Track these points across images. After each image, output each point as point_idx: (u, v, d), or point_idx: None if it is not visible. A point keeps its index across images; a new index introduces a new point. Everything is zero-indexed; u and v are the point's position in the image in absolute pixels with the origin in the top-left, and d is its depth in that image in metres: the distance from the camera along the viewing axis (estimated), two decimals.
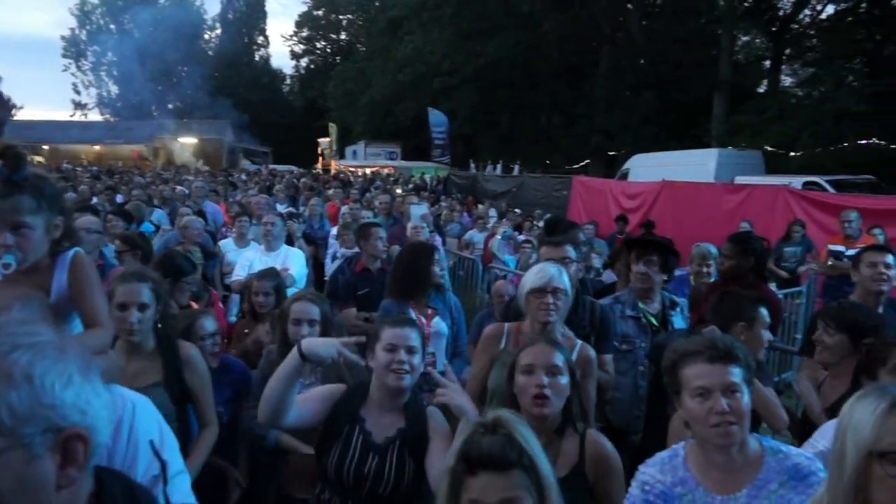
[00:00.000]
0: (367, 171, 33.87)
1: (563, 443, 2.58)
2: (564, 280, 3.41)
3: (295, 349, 2.55)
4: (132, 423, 2.02)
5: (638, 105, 29.79)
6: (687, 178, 16.17)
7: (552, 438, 2.55)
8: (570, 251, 4.10)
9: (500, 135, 37.07)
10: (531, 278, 3.43)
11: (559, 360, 2.59)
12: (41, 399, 1.00)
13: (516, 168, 27.50)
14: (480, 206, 16.56)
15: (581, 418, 2.68)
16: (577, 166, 31.26)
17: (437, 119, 35.46)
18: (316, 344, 2.58)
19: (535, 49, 35.08)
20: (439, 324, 4.54)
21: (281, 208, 10.00)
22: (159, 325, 3.10)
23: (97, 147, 47.85)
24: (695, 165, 18.61)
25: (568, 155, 33.57)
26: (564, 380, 2.57)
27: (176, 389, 3.05)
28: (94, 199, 11.86)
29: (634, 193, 16.47)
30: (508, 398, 2.64)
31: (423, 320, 4.45)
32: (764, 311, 3.38)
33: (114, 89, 63.02)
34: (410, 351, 2.74)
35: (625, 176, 21.12)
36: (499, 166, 28.20)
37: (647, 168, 19.84)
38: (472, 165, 29.44)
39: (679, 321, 4.49)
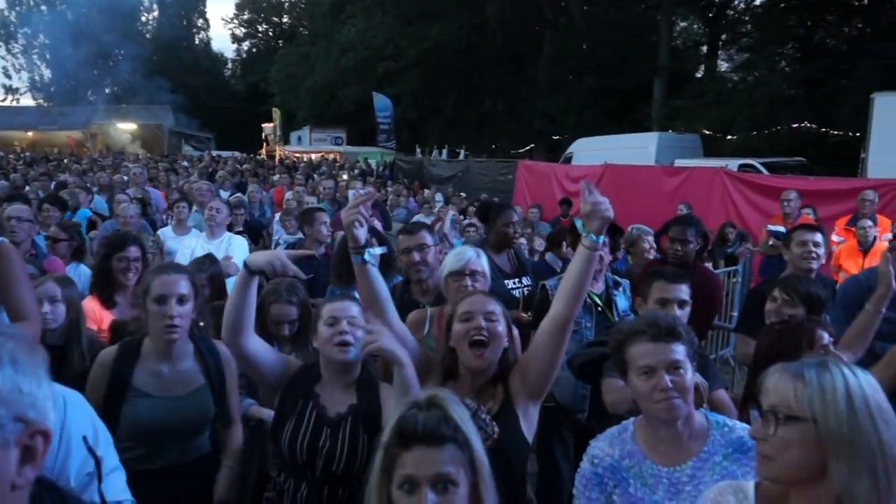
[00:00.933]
0: (313, 156, 33.52)
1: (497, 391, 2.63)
2: (482, 263, 3.53)
3: (242, 265, 2.63)
4: (64, 419, 1.94)
5: (580, 89, 30.19)
6: (629, 161, 16.48)
7: (489, 390, 2.61)
8: (427, 237, 4.14)
9: (446, 120, 37.11)
10: (449, 262, 3.53)
11: (496, 307, 2.62)
12: (22, 386, 0.97)
13: (462, 153, 27.59)
14: (426, 191, 16.62)
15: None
16: (522, 150, 31.51)
17: (381, 104, 35.28)
18: (258, 256, 2.62)
19: (479, 33, 35.19)
20: None
21: (225, 195, 9.87)
22: (201, 324, 3.07)
23: (30, 133, 46.22)
24: (636, 149, 18.98)
25: (513, 139, 33.81)
26: (501, 327, 2.59)
27: (219, 390, 3.04)
28: (28, 188, 11.52)
29: (578, 177, 16.69)
30: (447, 357, 2.66)
31: None
32: (657, 285, 3.45)
33: (47, 73, 60.76)
34: (352, 323, 2.72)
35: (568, 160, 21.39)
36: (444, 151, 28.23)
37: (590, 152, 20.15)
38: (418, 150, 29.42)
39: (622, 301, 4.59)
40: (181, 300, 2.91)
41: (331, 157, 32.77)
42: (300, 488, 2.67)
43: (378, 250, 2.80)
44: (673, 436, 2.21)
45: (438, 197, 16.28)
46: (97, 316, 3.97)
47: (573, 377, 4.27)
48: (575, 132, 25.79)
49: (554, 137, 31.89)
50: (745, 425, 2.27)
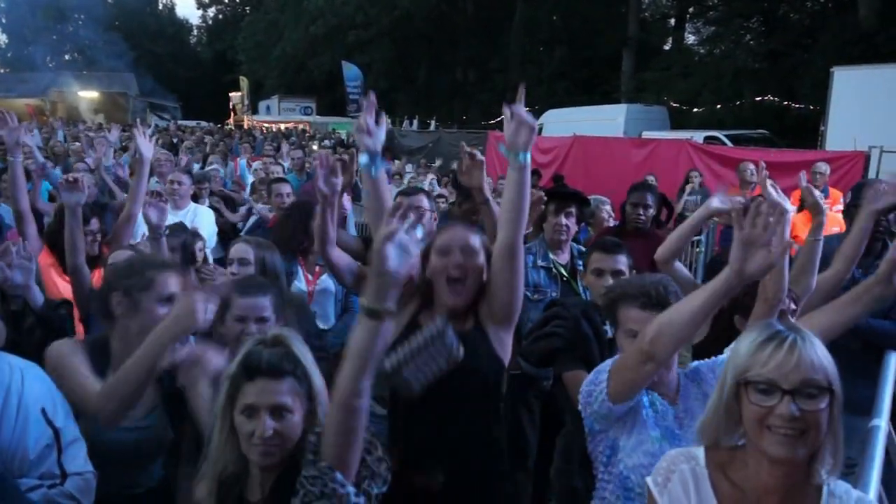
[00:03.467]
0: (282, 126, 33.19)
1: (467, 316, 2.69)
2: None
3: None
4: (21, 391, 1.94)
5: (551, 61, 30.23)
6: (597, 133, 16.68)
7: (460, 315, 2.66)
8: (424, 201, 4.13)
9: (417, 90, 36.93)
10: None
11: (475, 240, 2.64)
12: None
13: (433, 123, 27.55)
14: (397, 162, 16.65)
15: None
16: (493, 122, 31.53)
17: (351, 73, 34.94)
18: None
19: (450, 2, 34.92)
20: (326, 281, 4.53)
21: (196, 168, 9.82)
22: None
23: None
24: (605, 121, 19.18)
25: (484, 110, 33.76)
26: (479, 260, 2.62)
27: (176, 412, 2.71)
28: None
29: (547, 148, 16.86)
30: (424, 287, 2.67)
31: (310, 277, 4.54)
32: (602, 256, 3.45)
33: (2, 38, 59.04)
34: (262, 321, 2.69)
35: (539, 131, 21.53)
36: (415, 122, 28.16)
37: (559, 123, 20.27)
38: (388, 121, 29.20)
39: None
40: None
41: (300, 127, 32.47)
42: None
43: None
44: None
45: (409, 168, 16.32)
46: (53, 282, 3.94)
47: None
48: (546, 103, 25.88)
49: (526, 109, 31.84)
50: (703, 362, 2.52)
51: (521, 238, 2.47)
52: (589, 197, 6.40)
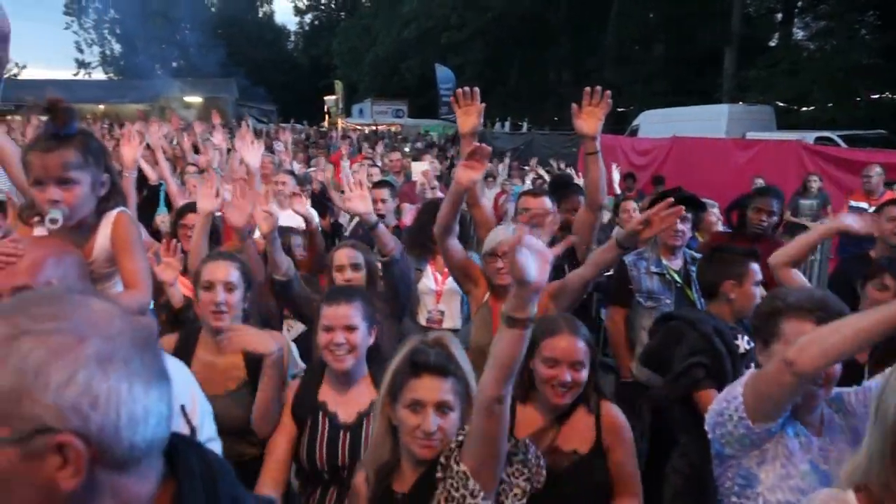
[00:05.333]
0: (374, 128, 33.62)
1: (576, 420, 2.58)
2: None
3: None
4: None
5: (647, 60, 29.44)
6: (697, 134, 16.08)
7: (566, 415, 2.57)
8: (547, 202, 4.18)
9: (509, 91, 36.68)
10: (488, 241, 3.41)
11: (582, 353, 2.53)
12: (33, 395, 0.92)
13: (525, 125, 27.28)
14: (489, 164, 16.43)
15: (595, 393, 2.64)
16: None
17: (444, 75, 35.04)
18: None
19: (544, 3, 34.51)
20: (454, 282, 4.52)
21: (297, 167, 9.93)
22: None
23: (101, 106, 47.53)
24: (705, 121, 18.48)
25: None
26: (585, 373, 2.53)
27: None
28: None
29: (644, 150, 16.40)
30: (525, 375, 2.59)
31: (439, 277, 4.55)
32: (755, 267, 3.29)
33: (117, 47, 62.28)
34: (349, 329, 2.68)
35: (634, 132, 20.98)
36: (507, 123, 27.96)
37: (656, 124, 19.71)
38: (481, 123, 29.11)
39: None
40: (228, 288, 2.91)
41: (392, 129, 32.80)
42: (328, 494, 2.69)
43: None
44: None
45: (502, 169, 16.14)
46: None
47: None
48: (642, 104, 25.21)
49: (619, 109, 31.22)
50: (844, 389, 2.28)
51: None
52: None
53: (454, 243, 3.43)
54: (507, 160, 16.23)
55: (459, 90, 3.73)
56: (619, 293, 4.41)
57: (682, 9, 29.37)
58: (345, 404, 2.74)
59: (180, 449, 1.12)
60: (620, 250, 3.06)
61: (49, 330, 0.95)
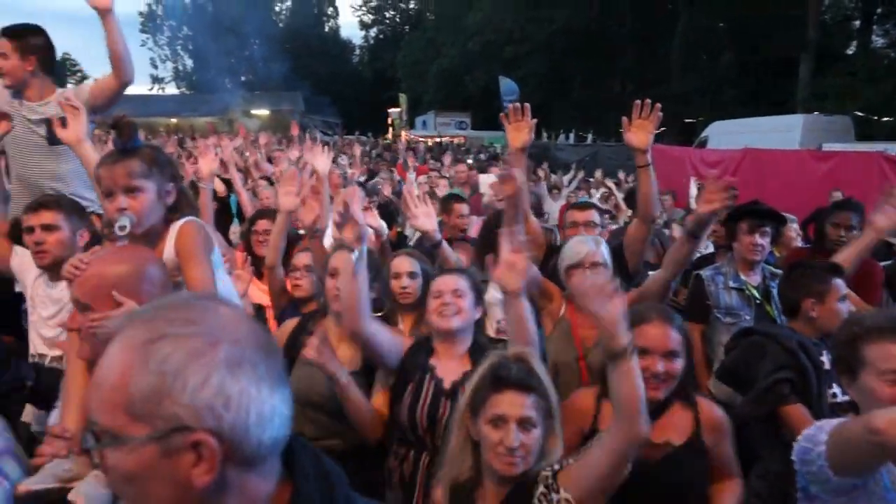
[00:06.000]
0: (438, 140, 33.78)
1: (673, 415, 2.50)
2: (603, 253, 3.35)
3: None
4: None
5: (716, 69, 28.78)
6: (770, 145, 15.57)
7: (660, 410, 2.47)
8: (595, 216, 4.17)
9: (573, 103, 36.44)
10: (568, 253, 3.38)
11: (675, 342, 2.45)
12: (172, 395, 0.97)
13: (589, 136, 26.98)
14: (554, 177, 16.30)
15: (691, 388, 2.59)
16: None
17: (508, 87, 34.98)
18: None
19: (609, 14, 34.20)
20: None
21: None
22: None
23: (174, 120, 49.09)
24: (779, 132, 17.90)
25: None
26: (680, 364, 2.45)
27: (370, 378, 3.08)
28: None
29: (714, 162, 15.93)
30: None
31: None
32: (838, 282, 3.16)
33: (189, 63, 64.41)
34: (457, 294, 2.87)
35: (703, 144, 20.48)
36: (571, 135, 27.72)
37: (727, 135, 19.19)
38: (544, 134, 29.02)
39: None
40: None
41: (455, 141, 32.89)
42: (421, 458, 2.78)
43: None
44: None
45: (565, 181, 15.97)
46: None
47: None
48: (710, 114, 24.64)
49: (686, 120, 30.64)
50: None
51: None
52: None
53: None
54: (572, 172, 16.07)
55: (511, 106, 3.73)
56: (696, 309, 4.29)
57: (753, 16, 28.65)
58: (450, 372, 2.84)
59: (296, 451, 1.16)
60: (693, 240, 3.07)
61: (185, 334, 1.01)
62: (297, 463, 1.14)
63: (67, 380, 2.33)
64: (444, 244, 3.68)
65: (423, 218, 3.69)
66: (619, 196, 10.02)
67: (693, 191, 9.12)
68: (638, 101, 3.61)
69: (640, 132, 3.60)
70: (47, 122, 3.83)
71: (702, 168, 16.23)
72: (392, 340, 2.95)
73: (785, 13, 28.37)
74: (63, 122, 3.21)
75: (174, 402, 0.97)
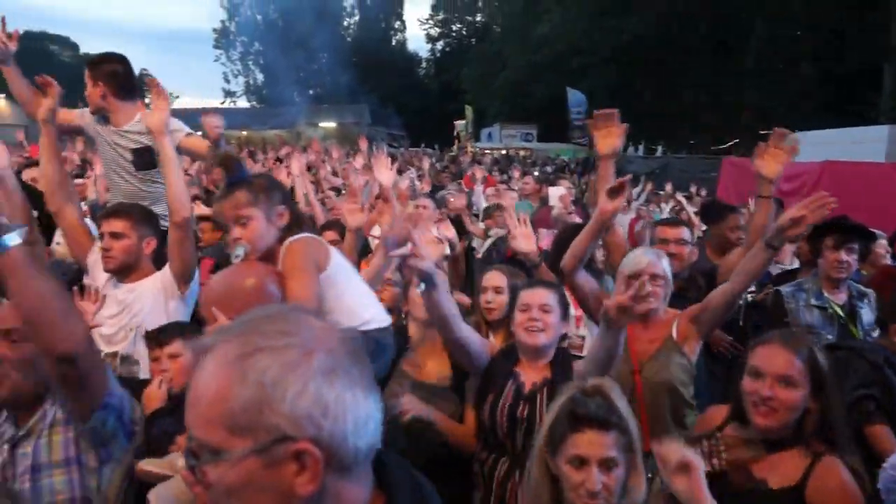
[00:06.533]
0: (505, 152, 33.74)
1: (783, 456, 2.27)
2: (664, 266, 3.32)
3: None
4: None
5: (794, 79, 27.88)
6: (853, 158, 14.97)
7: (772, 446, 2.29)
8: (685, 233, 4.12)
9: (642, 114, 35.86)
10: (627, 264, 3.36)
11: (794, 370, 2.25)
12: (272, 406, 0.98)
13: (659, 149, 26.51)
14: None
15: (823, 439, 2.27)
16: (723, 146, 29.75)
17: (575, 98, 34.73)
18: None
19: (681, 23, 33.57)
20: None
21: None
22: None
23: (244, 132, 50.43)
24: (862, 144, 17.17)
25: (714, 134, 31.99)
26: (796, 394, 2.24)
27: (460, 391, 3.19)
28: None
29: (792, 175, 15.32)
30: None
31: None
32: None
33: (260, 77, 66.23)
34: (544, 309, 2.89)
35: None
36: (641, 147, 27.28)
37: (805, 147, 18.32)
38: None
39: (867, 314, 4.13)
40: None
41: (521, 153, 32.77)
42: (501, 462, 2.79)
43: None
44: None
45: (637, 194, 15.68)
46: None
47: None
48: (787, 126, 23.76)
49: (762, 131, 29.70)
50: None
51: None
52: None
53: (584, 273, 3.47)
54: (642, 185, 15.77)
55: (599, 111, 3.66)
56: (773, 326, 4.09)
57: (832, 25, 27.67)
58: (531, 379, 2.88)
59: (387, 461, 1.17)
60: (770, 251, 2.96)
61: (281, 346, 1.02)
62: (390, 473, 1.16)
63: None
64: (544, 265, 3.69)
65: (522, 239, 3.76)
66: (691, 210, 9.73)
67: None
68: (778, 130, 3.62)
69: (772, 161, 3.57)
70: (133, 150, 4.08)
71: (778, 182, 15.67)
72: (481, 343, 3.03)
73: (866, 21, 27.32)
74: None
75: (274, 413, 0.98)
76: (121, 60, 4.15)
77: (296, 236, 2.60)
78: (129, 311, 3.35)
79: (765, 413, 2.23)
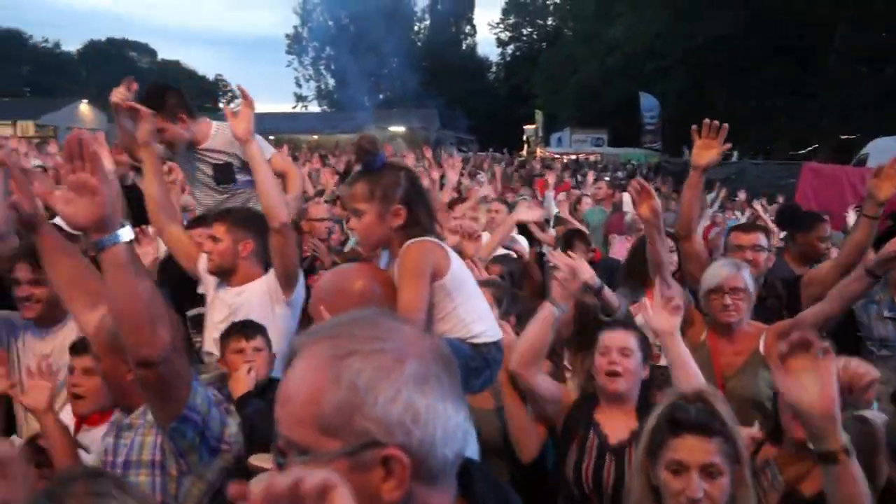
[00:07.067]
0: (576, 157, 33.46)
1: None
2: (746, 278, 3.26)
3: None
4: None
5: (877, 82, 26.78)
6: None
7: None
8: (762, 239, 4.02)
9: (715, 118, 34.90)
10: (707, 278, 3.32)
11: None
12: (364, 410, 0.99)
13: (735, 154, 25.81)
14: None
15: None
16: (802, 151, 28.79)
17: (648, 103, 34.24)
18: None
19: (758, 25, 32.62)
20: None
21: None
22: None
23: (315, 136, 51.32)
24: None
25: (792, 139, 30.97)
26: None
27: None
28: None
29: None
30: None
31: None
32: None
33: (331, 82, 67.39)
34: (624, 353, 2.81)
35: (862, 162, 19.04)
36: None
37: (890, 153, 17.70)
38: (685, 151, 28.07)
39: None
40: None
41: (591, 158, 32.42)
42: None
43: None
44: None
45: (709, 199, 15.33)
46: None
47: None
48: (871, 131, 22.91)
49: (842, 137, 28.66)
50: None
51: None
52: None
53: (700, 240, 3.55)
54: (716, 191, 15.42)
55: (706, 121, 3.59)
56: (844, 340, 3.99)
57: None
58: (615, 429, 2.79)
59: (471, 471, 1.16)
60: (871, 279, 2.90)
61: (373, 350, 1.03)
62: (475, 484, 1.15)
63: None
64: (606, 289, 3.61)
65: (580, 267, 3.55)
66: (769, 218, 9.48)
67: (851, 217, 8.45)
68: (707, 121, 3.62)
69: (887, 183, 3.44)
70: (213, 166, 4.11)
71: (861, 188, 15.06)
72: (554, 390, 2.99)
73: None
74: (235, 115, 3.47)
75: (365, 418, 0.99)
76: (170, 87, 4.12)
77: (417, 239, 2.45)
78: (237, 315, 3.38)
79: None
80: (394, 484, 0.99)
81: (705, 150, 3.57)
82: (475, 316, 2.50)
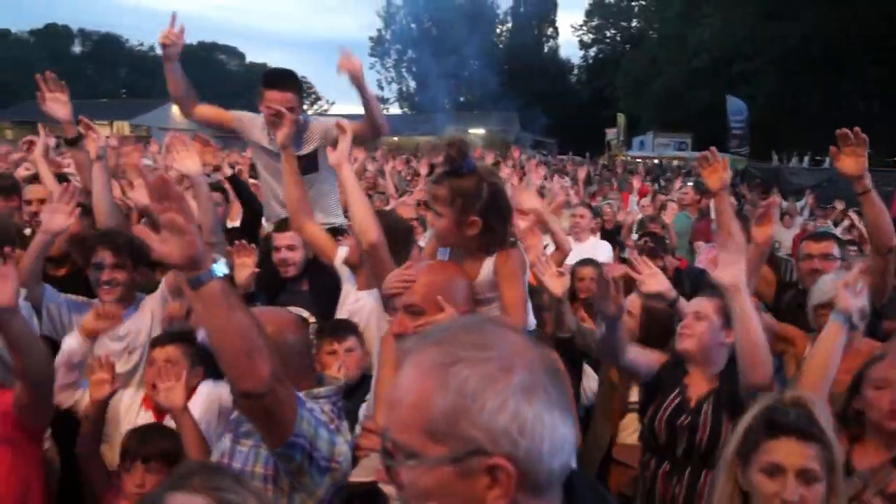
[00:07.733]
0: (659, 162, 32.81)
1: None
2: None
3: None
4: None
5: None
6: None
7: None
8: (834, 248, 3.93)
9: (807, 122, 33.69)
10: (815, 293, 3.31)
11: None
12: (470, 418, 0.99)
13: (827, 160, 24.75)
14: (784, 203, 15.13)
15: None
16: None
17: (735, 107, 33.10)
18: None
19: (854, 25, 31.24)
20: None
21: None
22: None
23: (395, 138, 51.83)
24: None
25: (889, 146, 29.49)
26: None
27: None
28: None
29: None
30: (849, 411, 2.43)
31: None
32: None
33: (412, 84, 68.08)
34: (697, 316, 2.93)
35: None
36: (806, 158, 25.64)
37: None
38: (774, 157, 27.13)
39: None
40: None
41: (675, 162, 31.70)
42: (662, 466, 2.86)
43: None
44: None
45: (799, 206, 14.80)
46: None
47: None
48: None
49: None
50: None
51: None
52: None
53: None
54: (805, 198, 14.88)
55: (844, 130, 3.56)
56: None
57: None
58: (697, 389, 2.92)
59: (576, 482, 1.14)
60: None
61: (481, 358, 1.03)
62: (579, 494, 1.14)
63: (379, 381, 2.62)
64: (682, 300, 3.49)
65: (651, 280, 3.44)
66: (863, 227, 9.10)
67: None
68: (845, 131, 3.54)
69: (848, 159, 3.52)
70: (299, 156, 4.10)
71: None
72: (647, 358, 3.12)
73: None
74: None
75: (472, 425, 0.99)
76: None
77: (511, 247, 2.55)
78: (355, 318, 3.47)
79: None
80: (498, 493, 0.99)
81: (852, 159, 3.54)
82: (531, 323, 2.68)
